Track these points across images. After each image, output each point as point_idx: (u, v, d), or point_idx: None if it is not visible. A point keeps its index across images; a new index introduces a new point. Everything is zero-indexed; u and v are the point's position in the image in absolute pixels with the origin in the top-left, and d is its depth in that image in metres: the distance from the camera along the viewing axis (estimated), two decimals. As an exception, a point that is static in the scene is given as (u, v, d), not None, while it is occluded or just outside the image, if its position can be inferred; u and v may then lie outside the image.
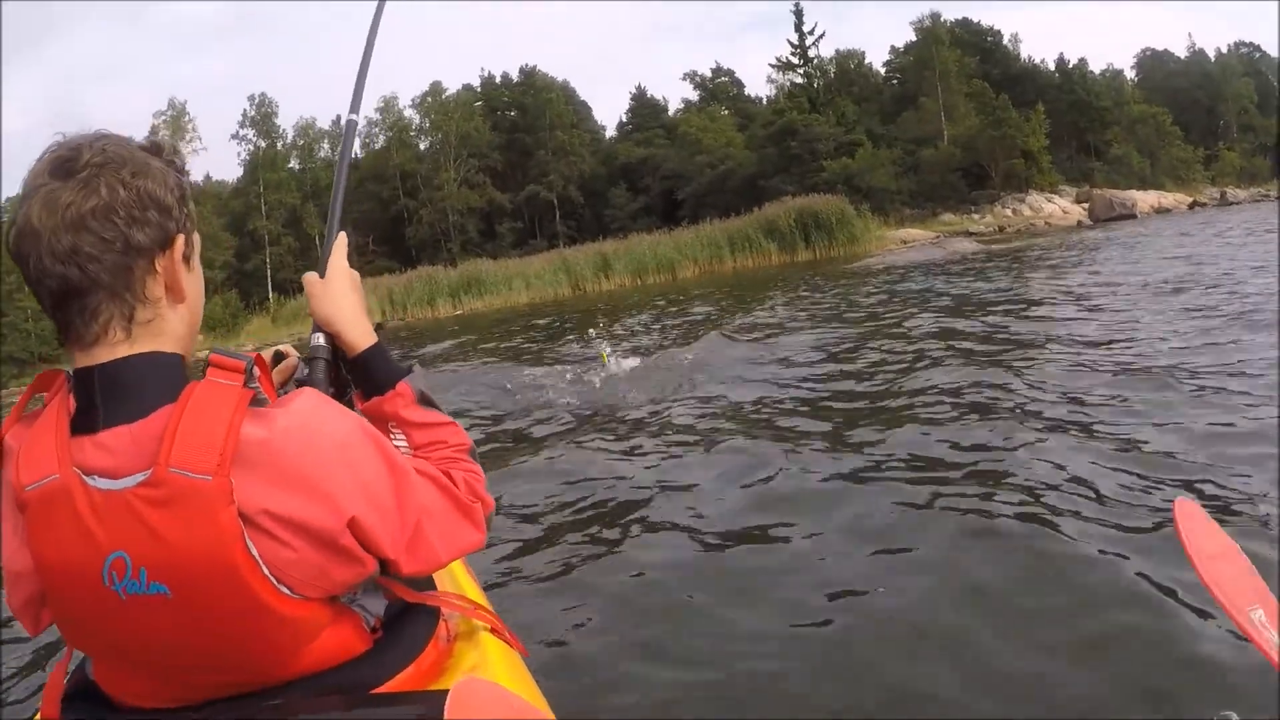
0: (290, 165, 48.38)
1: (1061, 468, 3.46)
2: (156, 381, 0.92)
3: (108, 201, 0.89)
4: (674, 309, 13.98)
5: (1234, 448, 3.50)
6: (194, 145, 45.10)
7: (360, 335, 1.21)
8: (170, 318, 0.97)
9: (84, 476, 0.87)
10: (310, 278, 1.26)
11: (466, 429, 1.23)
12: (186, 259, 0.99)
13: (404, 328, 25.32)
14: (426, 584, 1.25)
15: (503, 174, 51.16)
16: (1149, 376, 4.86)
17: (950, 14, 51.32)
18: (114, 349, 0.92)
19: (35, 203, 0.89)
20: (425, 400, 1.20)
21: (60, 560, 0.88)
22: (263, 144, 47.75)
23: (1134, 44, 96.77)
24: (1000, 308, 8.92)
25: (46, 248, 0.88)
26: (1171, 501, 1.35)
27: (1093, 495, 3.14)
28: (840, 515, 3.35)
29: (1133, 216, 34.70)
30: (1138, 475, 3.31)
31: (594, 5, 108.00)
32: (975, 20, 53.12)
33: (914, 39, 50.62)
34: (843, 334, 8.06)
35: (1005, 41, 53.49)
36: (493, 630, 1.27)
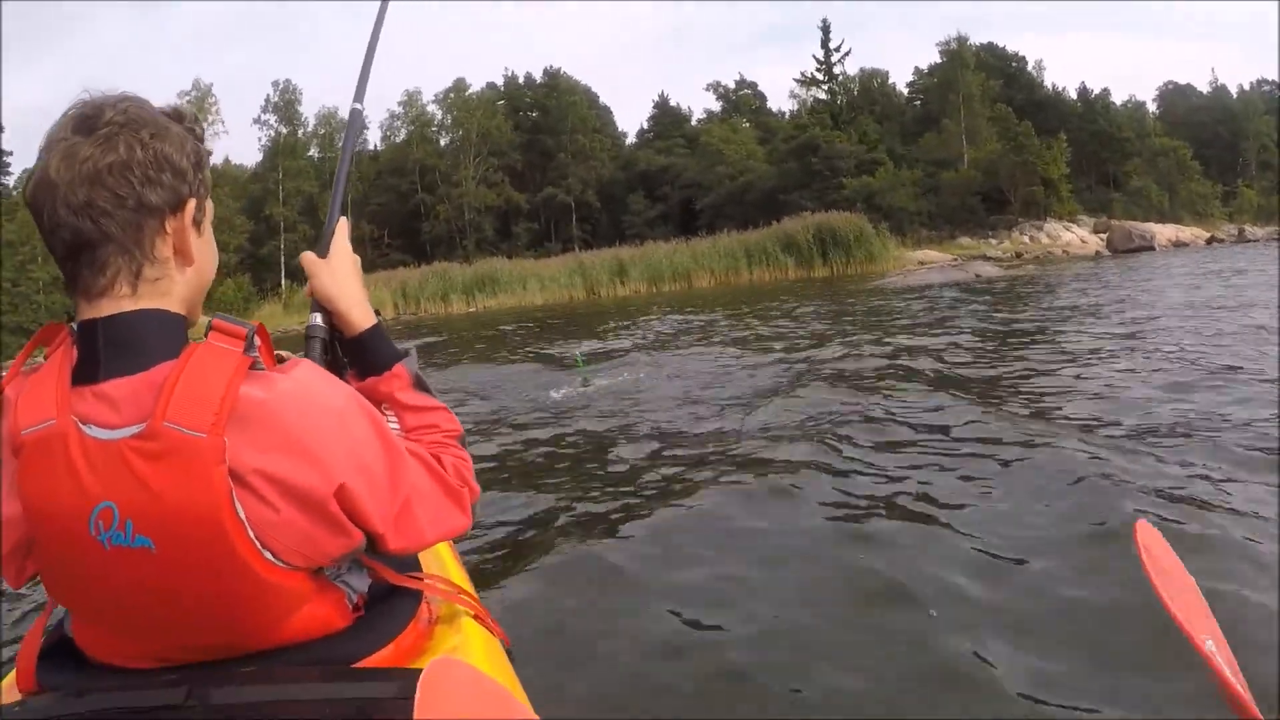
0: (310, 154, 48.46)
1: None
2: (159, 337, 0.94)
3: (125, 159, 0.92)
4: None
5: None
6: (216, 128, 45.23)
7: (361, 315, 1.23)
8: (177, 279, 0.98)
9: (80, 425, 0.88)
10: (311, 257, 1.27)
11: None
12: (197, 224, 1.01)
13: (415, 321, 25.38)
14: (411, 566, 1.25)
15: (521, 174, 51.30)
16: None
17: (977, 37, 51.44)
18: (119, 303, 0.93)
19: (55, 156, 0.91)
20: (420, 384, 1.22)
21: (49, 505, 0.88)
22: (284, 130, 47.86)
23: (1156, 77, 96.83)
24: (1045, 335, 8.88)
25: (62, 199, 0.90)
26: (1134, 523, 1.34)
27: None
28: (826, 518, 3.40)
29: (1151, 249, 34.54)
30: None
31: (618, 9, 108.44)
32: (1000, 45, 53.29)
33: (938, 60, 50.67)
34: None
35: (1029, 68, 53.57)
36: (475, 616, 1.27)
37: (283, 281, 41.43)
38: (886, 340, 8.97)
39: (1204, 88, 61.36)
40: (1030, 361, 6.58)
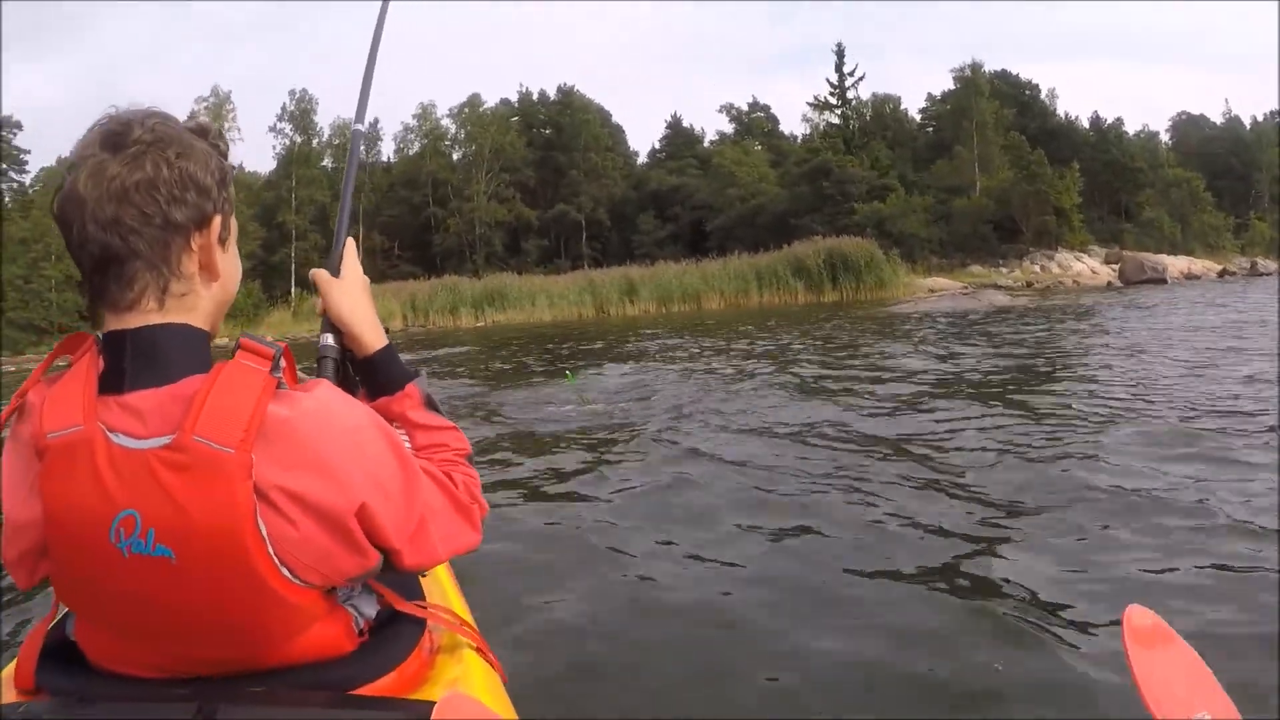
0: (324, 163, 48.72)
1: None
2: (185, 351, 0.95)
3: (151, 178, 0.93)
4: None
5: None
6: (232, 135, 45.54)
7: (374, 336, 1.25)
8: (203, 294, 1.00)
9: (107, 432, 0.89)
10: (324, 275, 1.27)
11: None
12: (222, 240, 1.03)
13: (423, 334, 25.40)
14: (416, 594, 1.27)
15: (533, 190, 51.58)
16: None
17: (990, 65, 51.63)
18: (146, 316, 0.95)
19: (83, 172, 0.93)
20: (430, 404, 1.24)
21: (71, 510, 0.89)
22: (299, 139, 48.13)
23: (1169, 107, 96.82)
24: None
25: (90, 215, 0.92)
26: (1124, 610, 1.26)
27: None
28: (822, 542, 3.36)
29: (1163, 281, 34.44)
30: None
31: (632, 29, 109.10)
32: (1014, 73, 53.48)
33: (952, 87, 50.86)
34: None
35: (1043, 96, 53.70)
36: (476, 649, 1.27)
37: (293, 289, 41.56)
38: (897, 369, 8.83)
39: (1217, 118, 61.60)
40: (1039, 402, 6.41)
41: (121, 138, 0.94)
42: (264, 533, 0.89)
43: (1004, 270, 38.89)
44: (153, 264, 0.95)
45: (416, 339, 22.25)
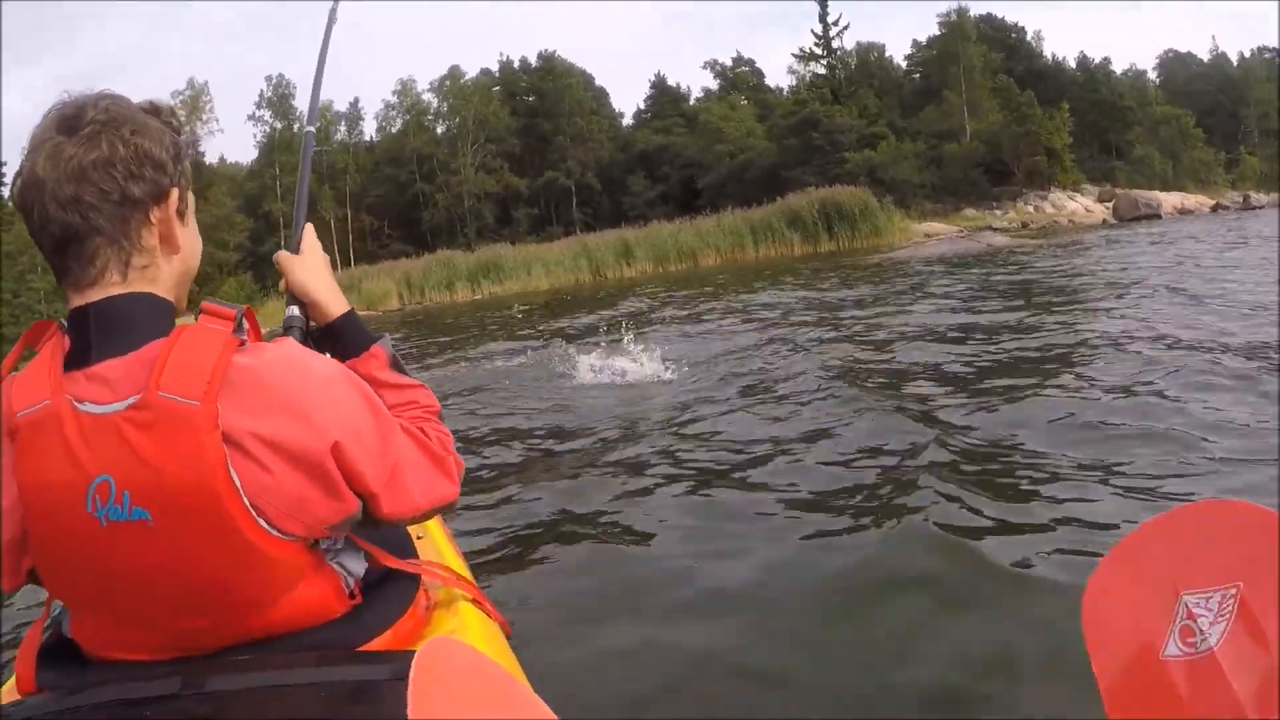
0: (306, 146, 48.17)
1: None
2: (149, 318, 0.97)
3: (108, 156, 0.95)
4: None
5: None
6: (210, 126, 45.07)
7: (336, 303, 1.29)
8: (164, 266, 1.02)
9: (75, 403, 0.90)
10: (284, 254, 1.33)
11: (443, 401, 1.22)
12: (180, 213, 1.04)
13: (420, 311, 25.13)
14: (408, 551, 1.30)
15: (520, 159, 51.21)
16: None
17: (975, 9, 51.24)
18: (108, 290, 0.96)
19: (41, 155, 0.95)
20: (396, 364, 1.26)
21: (46, 484, 0.90)
22: (279, 125, 47.55)
23: (1156, 45, 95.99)
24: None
25: (50, 195, 0.94)
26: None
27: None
28: (832, 504, 3.16)
29: (1157, 217, 34.40)
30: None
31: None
32: (999, 16, 53.08)
33: (937, 33, 50.47)
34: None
35: (1029, 38, 53.35)
36: (474, 601, 1.28)
37: (284, 276, 41.21)
38: (902, 320, 8.39)
39: (1204, 55, 61.26)
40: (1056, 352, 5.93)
41: (76, 120, 0.95)
42: (237, 483, 0.89)
43: (998, 212, 38.76)
44: (114, 239, 0.96)
45: (414, 317, 21.93)
